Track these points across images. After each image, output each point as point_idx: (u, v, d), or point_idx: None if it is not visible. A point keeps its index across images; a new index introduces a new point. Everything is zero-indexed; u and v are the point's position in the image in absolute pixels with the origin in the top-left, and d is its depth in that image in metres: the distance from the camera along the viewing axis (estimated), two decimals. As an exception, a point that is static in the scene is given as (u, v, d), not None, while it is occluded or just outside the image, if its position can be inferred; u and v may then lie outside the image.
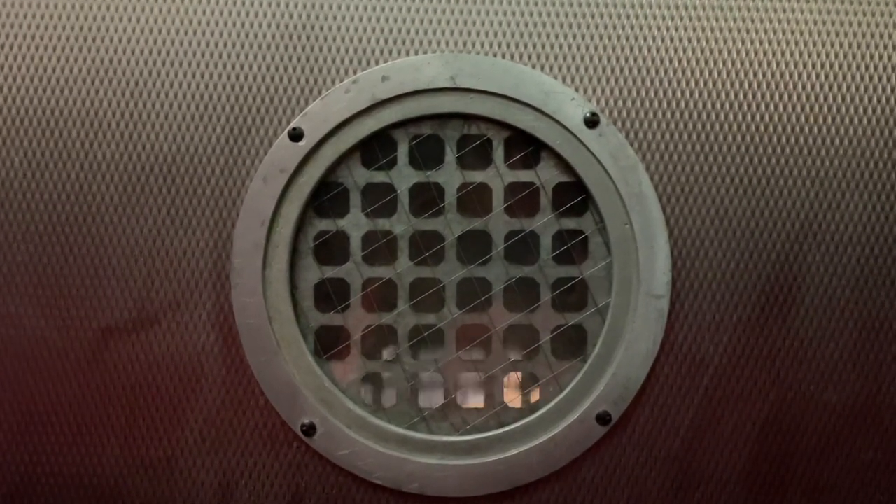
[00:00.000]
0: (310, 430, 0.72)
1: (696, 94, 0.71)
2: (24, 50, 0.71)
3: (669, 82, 0.71)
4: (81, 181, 0.71)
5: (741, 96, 0.71)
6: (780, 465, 0.74)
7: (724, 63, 0.71)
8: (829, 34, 0.71)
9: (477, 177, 0.72)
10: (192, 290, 0.72)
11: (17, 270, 0.72)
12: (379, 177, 0.72)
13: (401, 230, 0.73)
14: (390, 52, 0.71)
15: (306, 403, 0.72)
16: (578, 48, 0.71)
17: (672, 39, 0.71)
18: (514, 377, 0.76)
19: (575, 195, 0.73)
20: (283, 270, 0.72)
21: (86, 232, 0.72)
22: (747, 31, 0.71)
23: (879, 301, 0.72)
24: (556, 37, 0.71)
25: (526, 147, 0.72)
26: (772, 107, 0.71)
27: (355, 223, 0.73)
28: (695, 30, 0.71)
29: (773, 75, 0.71)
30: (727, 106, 0.71)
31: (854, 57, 0.71)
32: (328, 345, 0.74)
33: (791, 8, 0.71)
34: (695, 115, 0.71)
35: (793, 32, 0.71)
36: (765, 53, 0.71)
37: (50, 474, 0.75)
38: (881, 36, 0.71)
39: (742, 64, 0.71)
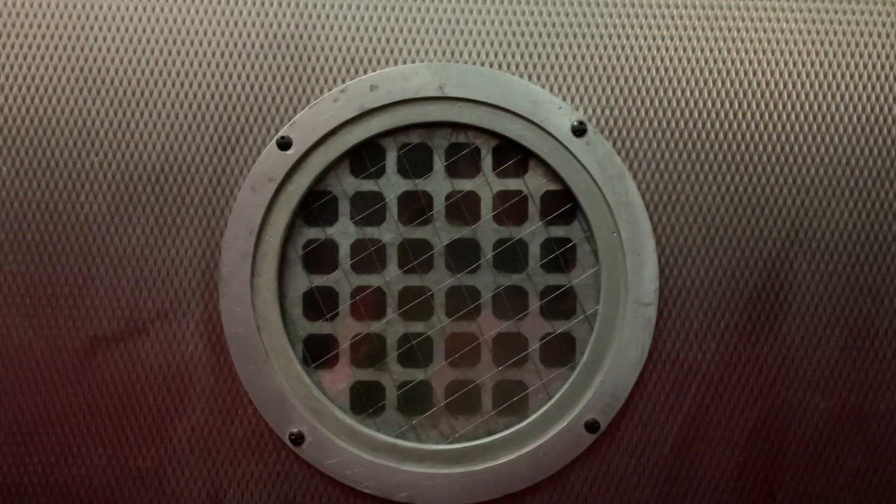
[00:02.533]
0: (298, 439, 0.72)
1: (683, 103, 0.71)
2: (12, 59, 0.71)
3: (656, 91, 0.71)
4: (69, 190, 0.71)
5: (728, 105, 0.71)
6: (768, 472, 0.74)
7: (711, 72, 0.71)
8: (815, 43, 0.71)
9: (465, 185, 0.73)
10: (180, 299, 0.72)
11: (5, 280, 0.72)
12: (367, 185, 0.72)
13: (389, 238, 0.73)
14: (378, 62, 0.71)
15: (295, 412, 0.72)
16: (566, 57, 0.71)
17: (659, 49, 0.71)
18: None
19: (563, 203, 0.73)
20: (271, 279, 0.72)
21: (74, 241, 0.72)
22: (733, 41, 0.71)
23: (866, 308, 0.73)
24: (544, 46, 0.71)
25: (514, 156, 0.72)
26: (758, 115, 0.71)
27: (344, 232, 0.73)
28: (681, 39, 0.71)
29: (759, 84, 0.71)
30: (714, 115, 0.71)
31: (840, 65, 0.71)
32: (317, 353, 0.74)
33: (777, 17, 0.71)
34: (682, 123, 0.71)
35: (779, 42, 0.71)
36: (751, 63, 0.71)
37: (38, 485, 0.74)
38: (866, 45, 0.71)
39: (728, 73, 0.71)
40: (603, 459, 0.74)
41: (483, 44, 0.71)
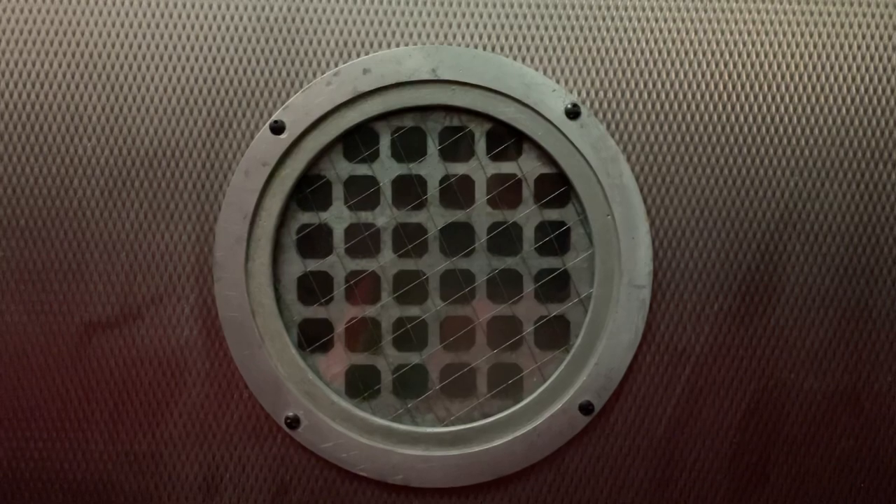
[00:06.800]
0: (294, 422, 0.72)
1: (677, 85, 0.71)
2: (3, 44, 0.70)
3: (650, 73, 0.71)
4: (63, 176, 0.71)
5: (721, 87, 0.71)
6: (762, 453, 0.75)
7: (705, 54, 0.71)
8: (808, 24, 0.71)
9: (459, 169, 0.73)
10: (174, 284, 0.72)
11: (-1, 266, 0.72)
12: (361, 169, 0.72)
13: (384, 222, 0.73)
14: (371, 45, 0.71)
15: (290, 396, 0.72)
16: (559, 40, 0.71)
17: (653, 31, 0.71)
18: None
19: (557, 186, 0.73)
20: (265, 264, 0.72)
21: (67, 227, 0.72)
22: (727, 22, 0.71)
23: (859, 290, 0.73)
24: (538, 28, 0.71)
25: (508, 139, 0.72)
26: (752, 97, 0.71)
27: (338, 216, 0.73)
28: (675, 21, 0.71)
29: (752, 66, 0.71)
30: (707, 97, 0.71)
31: (833, 47, 0.71)
32: (312, 338, 0.74)
33: (771, -1, 0.71)
34: (675, 105, 0.71)
35: (772, 23, 0.71)
36: (744, 44, 0.71)
37: (34, 469, 0.75)
38: (860, 26, 0.71)
39: (722, 55, 0.71)
40: (597, 441, 0.74)
41: (476, 26, 0.71)
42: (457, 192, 0.73)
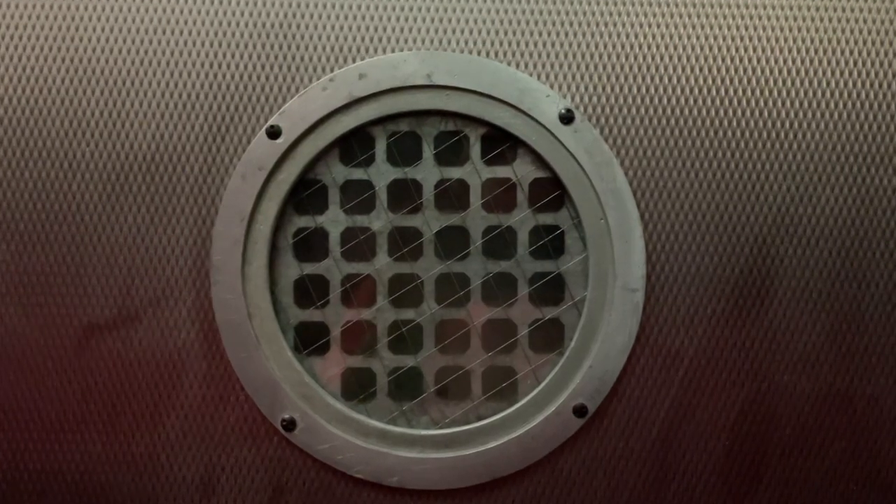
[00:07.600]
0: (290, 425, 0.73)
1: (670, 90, 0.72)
2: (2, 48, 0.71)
3: (643, 78, 0.71)
4: (61, 180, 0.72)
5: (714, 92, 0.72)
6: (755, 455, 0.75)
7: (698, 59, 0.71)
8: (800, 29, 0.72)
9: (454, 173, 0.73)
10: (172, 286, 0.73)
11: (-2, 269, 0.72)
12: (357, 174, 0.73)
13: (379, 226, 0.73)
14: (367, 50, 0.71)
15: (287, 399, 0.73)
16: (553, 45, 0.71)
17: (646, 36, 0.71)
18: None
19: (551, 191, 0.73)
20: (262, 267, 0.72)
21: (66, 230, 0.72)
22: (720, 28, 0.71)
23: (852, 293, 0.73)
24: (532, 34, 0.71)
25: (502, 143, 0.73)
26: (744, 102, 0.72)
27: (334, 220, 0.73)
28: (668, 26, 0.71)
29: (745, 71, 0.72)
30: (700, 101, 0.72)
31: (825, 52, 0.72)
32: (308, 340, 0.74)
33: (764, 4, 0.71)
34: (668, 110, 0.72)
35: (765, 28, 0.71)
36: (737, 49, 0.71)
37: (32, 471, 0.75)
38: (852, 31, 0.72)
39: (715, 59, 0.71)
40: (591, 443, 0.75)
41: (471, 32, 0.71)
42: (452, 196, 0.73)
